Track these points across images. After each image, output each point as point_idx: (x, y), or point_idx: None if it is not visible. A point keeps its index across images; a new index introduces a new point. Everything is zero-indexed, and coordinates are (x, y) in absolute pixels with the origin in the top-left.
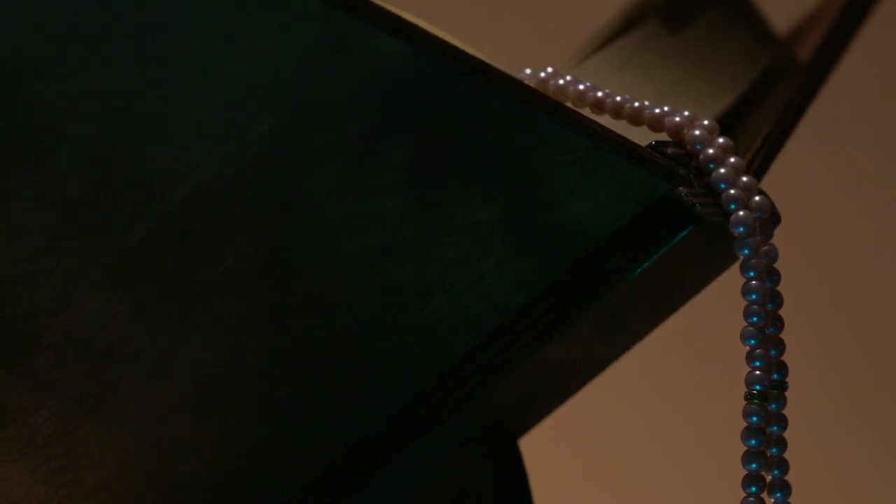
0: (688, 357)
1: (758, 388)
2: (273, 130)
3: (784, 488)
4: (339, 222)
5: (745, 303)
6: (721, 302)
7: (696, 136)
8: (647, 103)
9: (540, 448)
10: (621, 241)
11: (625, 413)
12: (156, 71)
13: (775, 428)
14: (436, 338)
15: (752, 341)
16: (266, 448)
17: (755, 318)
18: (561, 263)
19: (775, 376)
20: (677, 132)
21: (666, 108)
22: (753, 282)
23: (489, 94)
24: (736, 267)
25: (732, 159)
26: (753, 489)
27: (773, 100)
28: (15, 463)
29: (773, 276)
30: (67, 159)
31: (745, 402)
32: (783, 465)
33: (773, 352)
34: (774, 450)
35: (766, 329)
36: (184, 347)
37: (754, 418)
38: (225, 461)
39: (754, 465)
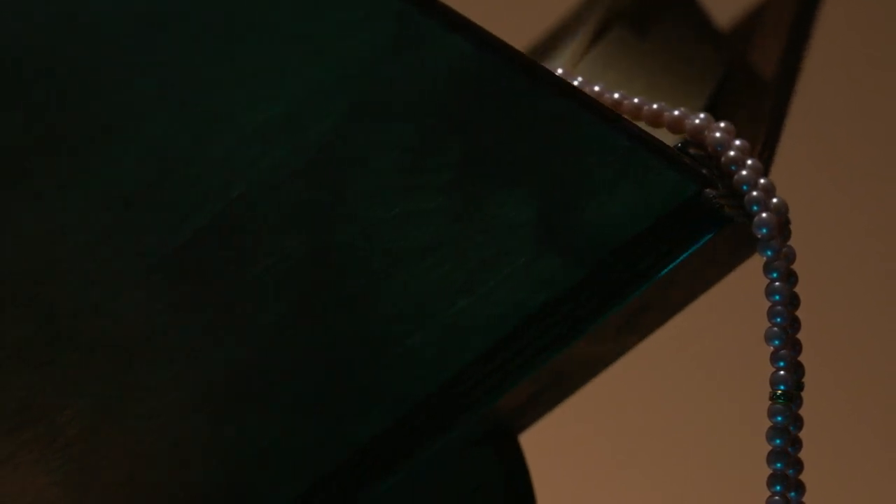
0: (687, 357)
1: (782, 388)
2: (333, 129)
3: (799, 487)
4: (385, 222)
5: (768, 304)
6: (720, 302)
7: (718, 138)
8: (664, 105)
9: (539, 448)
10: (649, 242)
11: (624, 413)
12: (225, 68)
13: (792, 428)
14: (457, 338)
15: (776, 342)
16: (279, 448)
17: (779, 319)
18: (585, 264)
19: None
20: (697, 134)
21: (683, 110)
22: (777, 283)
23: (542, 94)
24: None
25: (750, 161)
26: (778, 488)
27: (747, 103)
28: (35, 464)
29: (791, 277)
30: (130, 156)
31: (770, 402)
32: (798, 465)
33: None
34: (791, 448)
35: (788, 330)
36: (215, 347)
37: (779, 418)
38: (238, 461)
39: (779, 465)
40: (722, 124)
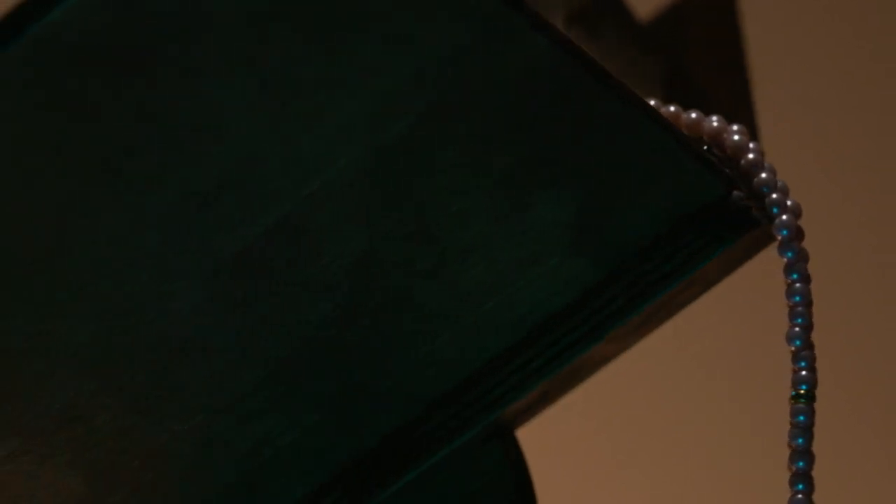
0: (688, 356)
1: (805, 388)
2: (409, 128)
3: (807, 480)
4: (438, 222)
5: (790, 304)
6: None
7: (737, 140)
8: (680, 108)
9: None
10: (676, 243)
11: (623, 412)
12: (322, 66)
13: (802, 418)
14: (480, 337)
15: (798, 342)
16: (296, 447)
17: (800, 320)
18: (612, 264)
19: None
20: (717, 136)
21: (699, 113)
22: (797, 284)
23: (608, 96)
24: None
25: (766, 163)
26: (801, 486)
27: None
28: (68, 465)
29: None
30: (215, 156)
31: (792, 402)
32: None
33: None
34: (801, 440)
35: (807, 327)
36: (258, 347)
37: (802, 417)
38: (257, 461)
39: (801, 464)
40: (735, 127)
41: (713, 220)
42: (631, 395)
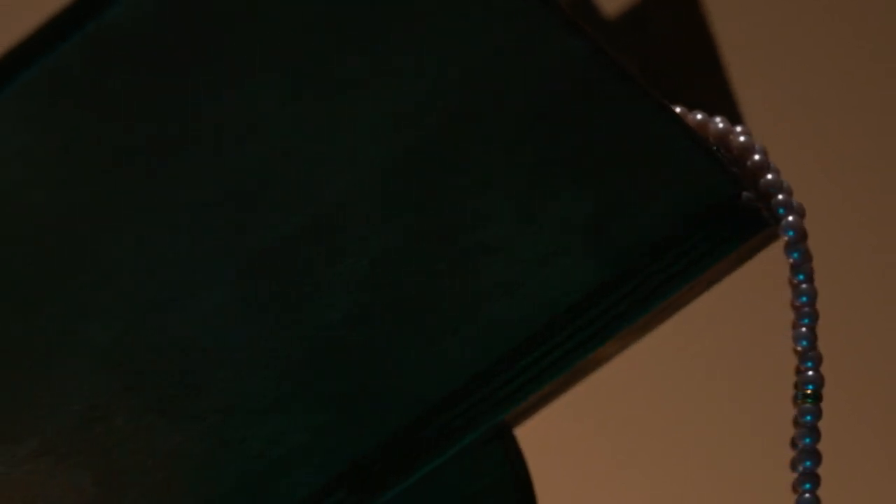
0: (687, 355)
1: (812, 388)
2: (443, 127)
3: (814, 479)
4: (464, 222)
5: (797, 305)
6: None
7: (744, 142)
8: (685, 108)
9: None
10: (687, 243)
11: (624, 412)
12: (362, 63)
13: (809, 417)
14: (489, 337)
15: (805, 342)
16: (302, 447)
17: (807, 321)
18: (623, 264)
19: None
20: (723, 137)
21: (705, 114)
22: (804, 285)
23: (638, 98)
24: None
25: (771, 164)
26: (808, 486)
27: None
28: (84, 465)
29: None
30: (254, 154)
31: (800, 402)
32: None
33: None
34: (808, 440)
35: (814, 328)
36: (278, 346)
37: (809, 417)
38: (265, 460)
39: (809, 463)
40: (739, 128)
41: (723, 220)
42: (631, 395)
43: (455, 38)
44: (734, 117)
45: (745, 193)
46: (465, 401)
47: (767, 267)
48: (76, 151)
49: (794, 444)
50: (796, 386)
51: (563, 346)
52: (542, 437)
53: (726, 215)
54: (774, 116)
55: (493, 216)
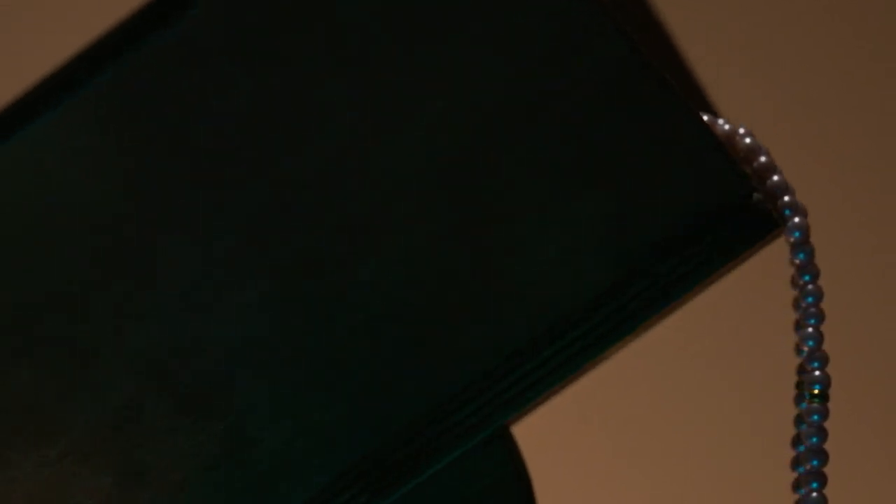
0: (687, 355)
1: (819, 387)
2: (486, 127)
3: (821, 478)
4: (493, 221)
5: (803, 305)
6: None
7: (749, 143)
8: None
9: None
10: (699, 243)
11: (624, 412)
12: (420, 63)
13: (816, 417)
14: (502, 336)
15: (811, 343)
16: (319, 445)
17: (813, 321)
18: (633, 263)
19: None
20: (729, 139)
21: (710, 116)
22: (810, 286)
23: (664, 99)
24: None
25: (776, 166)
26: (815, 485)
27: None
28: (105, 465)
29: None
30: (310, 155)
31: (807, 402)
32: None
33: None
34: (815, 439)
35: (820, 328)
36: (304, 346)
37: (816, 417)
38: (280, 459)
39: (816, 462)
40: (742, 130)
41: (736, 221)
42: (631, 395)
43: (512, 39)
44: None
45: (755, 195)
46: (474, 400)
47: (766, 267)
48: (134, 155)
49: (798, 442)
50: (798, 385)
51: (575, 345)
52: (541, 436)
53: (739, 216)
54: (770, 116)
55: (518, 216)
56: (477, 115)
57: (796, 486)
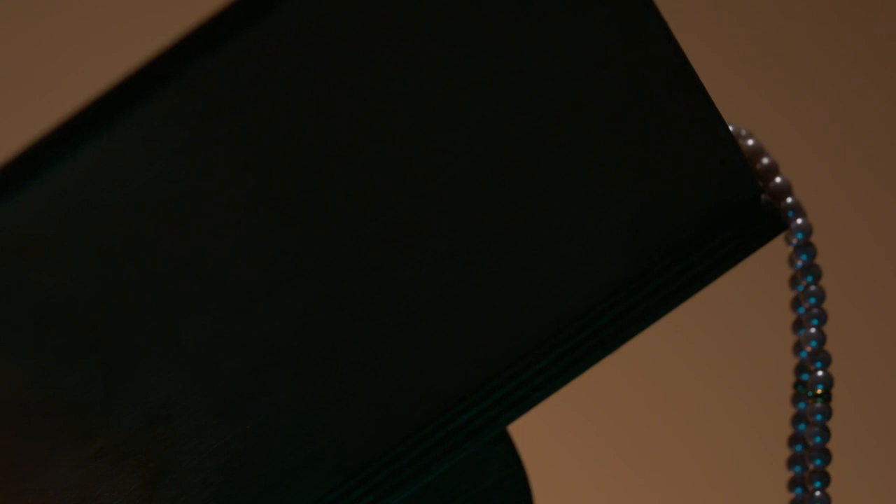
0: (687, 355)
1: (821, 387)
2: (530, 128)
3: (824, 477)
4: (524, 219)
5: (807, 306)
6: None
7: (752, 145)
8: None
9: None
10: (710, 244)
11: (623, 412)
12: (477, 65)
13: (819, 417)
14: (515, 335)
15: (814, 343)
16: (334, 444)
17: (816, 321)
18: (646, 263)
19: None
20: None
21: None
22: (812, 286)
23: (697, 99)
24: None
25: (779, 168)
26: (819, 483)
27: None
28: (136, 465)
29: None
30: (366, 158)
31: (810, 402)
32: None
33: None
34: (818, 438)
35: (823, 329)
36: (339, 346)
37: (819, 416)
38: (297, 458)
39: (819, 462)
40: (744, 132)
41: (746, 221)
42: (629, 395)
43: (572, 39)
44: None
45: (763, 196)
46: (483, 401)
47: (764, 268)
48: (201, 156)
49: (795, 442)
50: (795, 385)
51: (584, 346)
52: (539, 436)
53: (749, 217)
54: (765, 117)
55: (549, 218)
56: (526, 115)
57: (792, 485)
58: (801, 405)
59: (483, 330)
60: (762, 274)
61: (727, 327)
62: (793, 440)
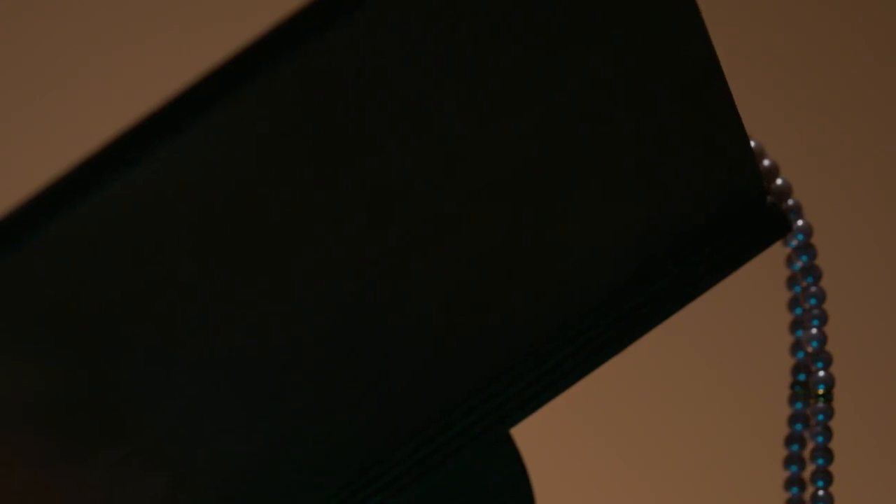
0: (687, 356)
1: (823, 387)
2: (562, 129)
3: (827, 476)
4: (550, 224)
5: (807, 307)
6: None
7: (753, 147)
8: None
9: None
10: (715, 245)
11: (623, 412)
12: (533, 69)
13: (821, 417)
14: (522, 336)
15: (815, 344)
16: (337, 448)
17: (817, 322)
18: (651, 264)
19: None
20: None
21: None
22: (813, 287)
23: (722, 101)
24: None
25: (779, 170)
26: (821, 483)
27: None
28: (159, 469)
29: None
30: (409, 154)
31: (812, 402)
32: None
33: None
34: (821, 438)
35: (824, 329)
36: (357, 352)
37: (822, 416)
38: (302, 465)
39: (821, 461)
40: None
41: (751, 224)
42: (630, 395)
43: (621, 40)
44: None
45: (768, 198)
46: (491, 400)
47: (764, 268)
48: (275, 149)
49: (795, 442)
50: (792, 386)
51: (590, 346)
52: (540, 436)
53: (754, 218)
54: (761, 118)
55: (571, 218)
56: (566, 116)
57: (789, 484)
58: (798, 405)
59: (490, 331)
60: (762, 274)
61: (727, 328)
62: (789, 440)
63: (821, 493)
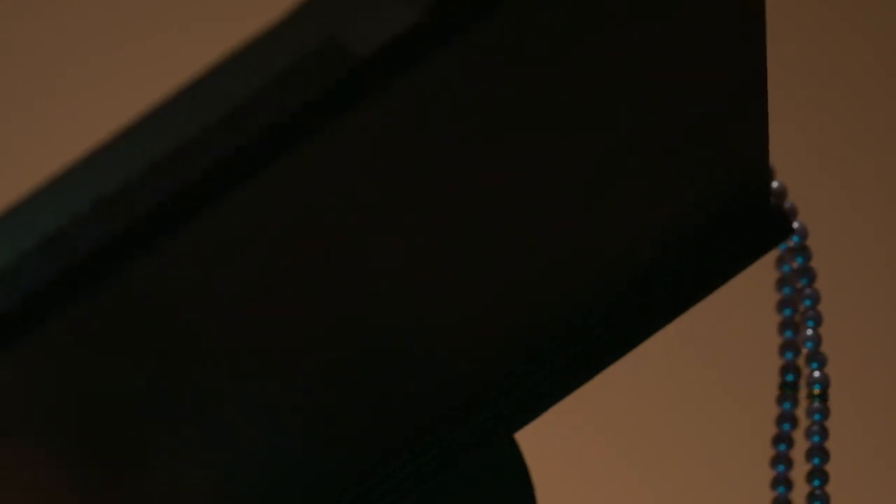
0: (687, 356)
1: (818, 387)
2: (612, 134)
3: (823, 475)
4: (574, 230)
5: (802, 308)
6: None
7: None
8: None
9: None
10: (719, 246)
11: (623, 413)
12: (582, 75)
13: (817, 416)
14: (527, 339)
15: (810, 344)
16: (339, 450)
17: (812, 322)
18: (655, 265)
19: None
20: None
21: None
22: (808, 289)
23: (753, 105)
24: None
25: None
26: (817, 482)
27: None
28: (208, 467)
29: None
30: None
31: (808, 402)
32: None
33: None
34: (817, 438)
35: (819, 331)
36: (367, 354)
37: (817, 416)
38: (305, 471)
39: (817, 460)
40: None
41: (755, 225)
42: (630, 395)
43: (665, 41)
44: None
45: (772, 199)
46: (495, 405)
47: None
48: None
49: (782, 441)
50: (781, 386)
51: (594, 348)
52: (541, 437)
53: (758, 220)
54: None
55: (595, 222)
56: (619, 120)
57: (775, 483)
58: (787, 406)
59: (495, 334)
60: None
61: (729, 329)
62: (777, 440)
63: (817, 492)
